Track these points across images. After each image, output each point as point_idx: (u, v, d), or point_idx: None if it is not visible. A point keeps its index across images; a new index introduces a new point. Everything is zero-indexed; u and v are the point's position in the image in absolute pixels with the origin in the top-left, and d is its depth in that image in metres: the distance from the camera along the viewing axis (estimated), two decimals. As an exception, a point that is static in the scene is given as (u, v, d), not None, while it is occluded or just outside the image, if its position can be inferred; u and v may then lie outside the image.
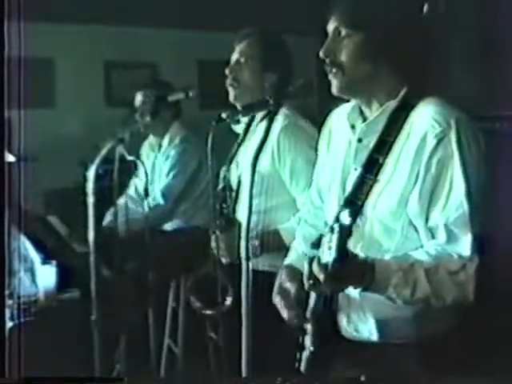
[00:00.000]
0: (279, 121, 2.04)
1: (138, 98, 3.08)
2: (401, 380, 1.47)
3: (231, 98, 2.20)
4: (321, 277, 1.25)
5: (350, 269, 1.27)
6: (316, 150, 1.95)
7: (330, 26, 1.48)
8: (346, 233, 1.19)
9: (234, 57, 2.21)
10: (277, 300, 1.62)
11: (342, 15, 1.45)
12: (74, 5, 3.90)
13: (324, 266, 1.24)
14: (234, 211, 2.12)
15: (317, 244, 1.31)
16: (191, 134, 3.08)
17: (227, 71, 2.20)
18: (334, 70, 1.45)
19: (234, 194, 2.14)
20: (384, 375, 1.46)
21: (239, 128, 2.23)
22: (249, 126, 2.20)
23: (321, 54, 1.46)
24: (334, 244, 1.20)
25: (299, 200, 2.08)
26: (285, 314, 1.58)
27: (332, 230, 1.20)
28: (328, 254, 1.23)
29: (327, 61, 1.46)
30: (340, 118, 1.62)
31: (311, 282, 1.29)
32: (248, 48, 2.19)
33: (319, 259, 1.26)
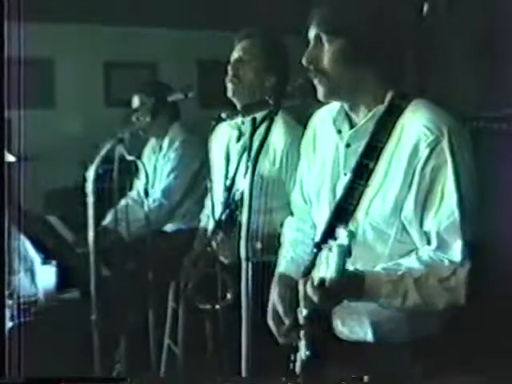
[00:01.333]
0: (279, 126, 2.04)
1: (136, 101, 3.07)
2: (401, 380, 1.48)
3: (229, 93, 2.21)
4: (315, 298, 1.27)
5: (342, 285, 1.27)
6: None
7: (311, 33, 1.48)
8: (345, 254, 1.20)
9: (236, 54, 2.22)
10: (271, 325, 1.63)
11: (322, 22, 1.45)
12: (73, 5, 3.90)
13: (317, 288, 1.26)
14: (234, 212, 2.13)
15: (319, 246, 1.32)
16: (191, 135, 3.08)
17: (229, 68, 2.20)
18: (318, 77, 1.46)
19: (233, 195, 2.14)
20: (383, 375, 1.47)
21: (235, 127, 2.22)
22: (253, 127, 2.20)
23: (304, 61, 1.47)
24: (332, 263, 1.21)
25: None
26: (278, 338, 1.60)
27: (330, 249, 1.21)
28: (325, 271, 1.24)
29: (311, 68, 1.46)
30: (324, 121, 1.62)
31: (306, 301, 1.31)
32: (251, 47, 2.20)
33: (313, 281, 1.27)
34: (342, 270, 1.21)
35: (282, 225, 2.08)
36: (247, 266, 1.52)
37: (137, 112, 2.84)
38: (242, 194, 2.12)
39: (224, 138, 2.33)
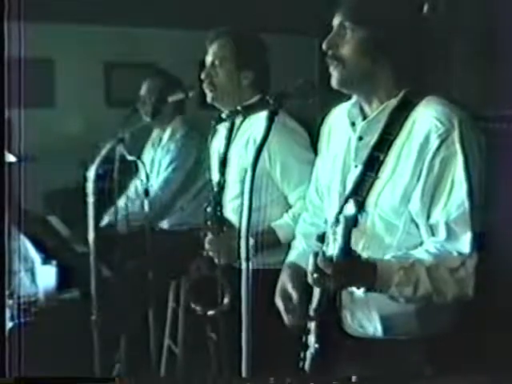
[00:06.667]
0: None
1: (144, 89, 3.09)
2: (398, 379, 1.48)
3: (209, 99, 2.19)
4: (327, 270, 1.27)
5: (354, 267, 1.28)
6: (304, 146, 1.95)
7: (335, 21, 1.49)
8: (351, 223, 1.21)
9: (208, 59, 2.20)
10: (279, 303, 1.63)
11: (347, 10, 1.47)
12: (73, 5, 3.90)
13: (329, 260, 1.26)
14: (222, 211, 2.12)
15: (322, 237, 1.32)
16: (193, 130, 3.08)
17: (203, 75, 2.19)
18: (334, 63, 1.47)
19: (222, 194, 2.13)
20: (377, 375, 1.47)
21: (222, 127, 2.21)
22: (233, 125, 2.18)
23: (323, 45, 1.48)
24: (339, 235, 1.21)
25: (290, 197, 2.08)
26: (286, 317, 1.60)
27: (337, 221, 1.22)
28: (333, 247, 1.24)
29: (329, 53, 1.48)
30: (339, 116, 1.63)
31: (316, 276, 1.30)
32: (220, 49, 2.18)
33: (324, 253, 1.27)
34: (348, 239, 1.21)
35: (272, 220, 2.09)
36: (248, 265, 1.52)
37: (141, 101, 2.85)
38: (220, 189, 2.12)
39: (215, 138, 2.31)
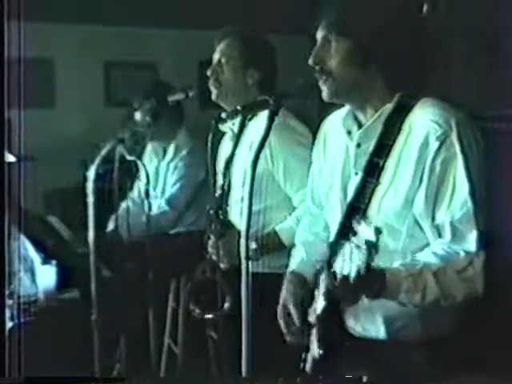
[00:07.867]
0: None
1: (138, 100, 3.04)
2: (404, 380, 1.48)
3: (213, 97, 2.19)
4: (339, 294, 1.27)
5: (364, 279, 1.26)
6: (306, 146, 1.95)
7: (319, 34, 1.48)
8: (374, 251, 1.19)
9: (215, 57, 2.21)
10: (281, 322, 1.63)
11: (331, 22, 1.46)
12: (73, 5, 3.90)
13: (342, 283, 1.24)
14: (227, 215, 2.11)
15: (334, 247, 1.31)
16: (199, 144, 3.03)
17: (209, 72, 2.19)
18: (323, 77, 1.47)
19: (226, 198, 2.13)
20: (388, 375, 1.46)
21: (227, 128, 2.21)
22: (241, 128, 2.18)
23: (310, 61, 1.47)
24: (359, 260, 1.20)
25: (295, 199, 2.08)
26: (287, 336, 1.60)
27: (358, 247, 1.20)
28: (349, 266, 1.23)
29: (317, 68, 1.47)
30: (334, 124, 1.63)
31: (328, 295, 1.30)
32: (228, 48, 2.18)
33: (335, 276, 1.26)
34: (369, 266, 1.20)
35: (276, 223, 2.09)
36: (247, 264, 1.52)
37: (138, 113, 2.82)
38: (232, 194, 2.12)
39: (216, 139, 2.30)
